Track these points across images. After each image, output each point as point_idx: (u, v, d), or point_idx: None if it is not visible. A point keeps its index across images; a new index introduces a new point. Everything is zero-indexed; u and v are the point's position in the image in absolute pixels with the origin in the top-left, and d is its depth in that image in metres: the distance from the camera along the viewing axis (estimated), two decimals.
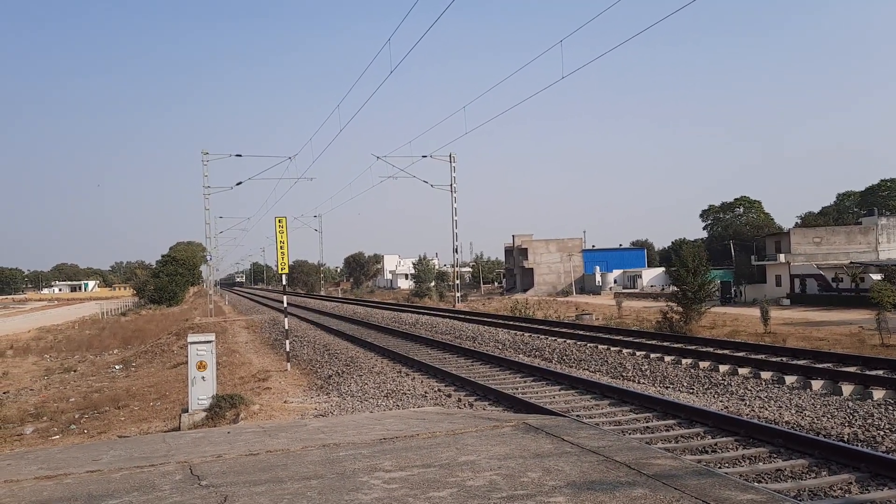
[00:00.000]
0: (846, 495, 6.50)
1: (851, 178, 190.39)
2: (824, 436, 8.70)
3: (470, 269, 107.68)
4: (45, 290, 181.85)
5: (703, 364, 14.95)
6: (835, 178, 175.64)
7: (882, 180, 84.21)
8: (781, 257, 51.60)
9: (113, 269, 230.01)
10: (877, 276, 39.19)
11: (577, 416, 9.92)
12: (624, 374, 14.72)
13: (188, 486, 5.19)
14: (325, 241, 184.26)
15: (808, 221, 77.22)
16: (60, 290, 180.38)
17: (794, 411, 10.44)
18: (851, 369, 13.18)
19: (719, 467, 7.33)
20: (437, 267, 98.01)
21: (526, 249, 77.66)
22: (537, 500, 4.46)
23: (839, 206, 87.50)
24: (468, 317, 32.74)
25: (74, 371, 27.41)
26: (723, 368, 14.37)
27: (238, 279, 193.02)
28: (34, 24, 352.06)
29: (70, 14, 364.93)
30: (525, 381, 13.91)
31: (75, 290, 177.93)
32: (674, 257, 30.07)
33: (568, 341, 20.30)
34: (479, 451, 6.00)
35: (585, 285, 74.74)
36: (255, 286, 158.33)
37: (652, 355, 16.61)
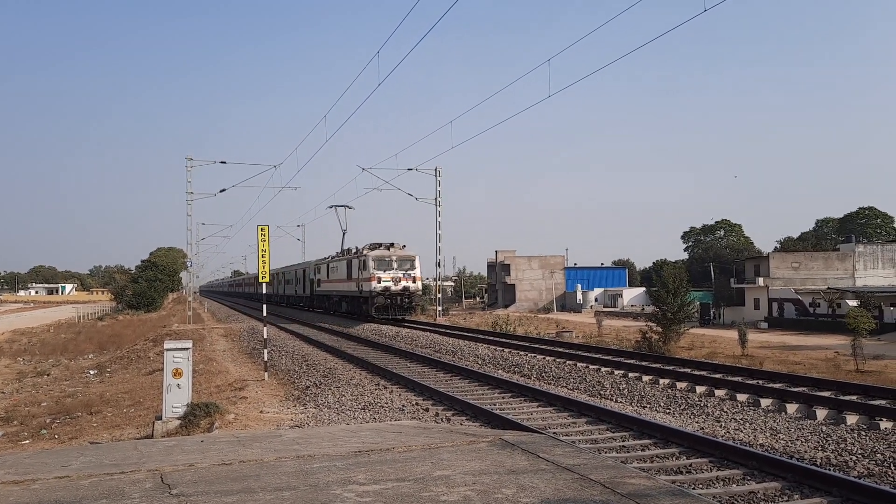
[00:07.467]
0: None
1: (830, 205, 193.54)
2: (798, 459, 8.77)
3: (452, 284, 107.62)
4: (22, 293, 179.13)
5: (681, 384, 15.03)
6: (814, 204, 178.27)
7: (860, 208, 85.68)
8: (760, 281, 52.17)
9: (91, 273, 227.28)
10: (853, 303, 39.78)
11: (554, 433, 9.91)
12: (602, 392, 14.75)
13: (158, 494, 5.12)
14: (307, 251, 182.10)
15: (788, 246, 78.19)
16: (37, 292, 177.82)
17: (768, 434, 10.52)
18: (826, 394, 13.31)
19: (693, 488, 7.35)
20: None
21: (508, 265, 77.78)
22: None
23: (818, 232, 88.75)
24: (449, 331, 32.65)
25: (48, 375, 26.98)
26: (700, 389, 14.45)
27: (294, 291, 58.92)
28: (21, 19, 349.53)
29: (59, 14, 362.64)
30: (503, 397, 13.90)
31: (52, 293, 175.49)
32: (655, 278, 30.34)
33: (547, 358, 20.32)
34: (454, 465, 5.98)
35: (567, 303, 74.97)
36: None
37: (630, 374, 16.67)
